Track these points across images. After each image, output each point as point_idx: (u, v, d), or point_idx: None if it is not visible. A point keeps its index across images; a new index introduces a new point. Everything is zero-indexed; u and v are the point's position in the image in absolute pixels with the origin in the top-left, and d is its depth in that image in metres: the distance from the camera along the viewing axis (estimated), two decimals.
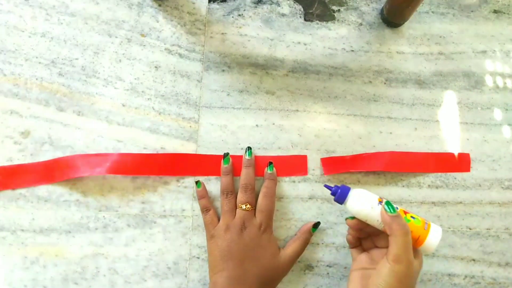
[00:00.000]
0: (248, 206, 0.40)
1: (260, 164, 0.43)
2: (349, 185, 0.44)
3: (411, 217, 0.35)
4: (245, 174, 0.42)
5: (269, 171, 0.42)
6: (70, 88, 0.44)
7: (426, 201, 0.45)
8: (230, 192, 0.41)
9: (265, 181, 0.42)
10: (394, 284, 0.31)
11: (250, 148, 0.43)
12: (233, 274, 0.37)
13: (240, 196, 0.41)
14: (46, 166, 0.42)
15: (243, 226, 0.39)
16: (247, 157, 0.42)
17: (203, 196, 0.42)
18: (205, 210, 0.41)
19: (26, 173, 0.42)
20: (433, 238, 0.34)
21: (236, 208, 0.41)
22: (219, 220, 0.41)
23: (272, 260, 0.39)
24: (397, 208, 0.35)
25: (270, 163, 0.43)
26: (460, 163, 0.46)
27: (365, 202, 0.36)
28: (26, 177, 0.41)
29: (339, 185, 0.38)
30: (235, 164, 0.43)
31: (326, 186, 0.39)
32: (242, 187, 0.41)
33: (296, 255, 0.41)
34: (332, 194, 0.38)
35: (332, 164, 0.44)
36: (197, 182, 0.42)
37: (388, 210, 0.34)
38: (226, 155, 0.42)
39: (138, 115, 0.44)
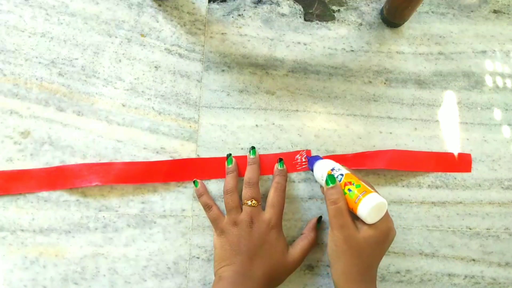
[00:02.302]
0: (254, 201, 0.40)
1: (264, 163, 0.43)
2: None
3: (348, 189, 0.36)
4: (249, 170, 0.41)
5: (279, 167, 0.42)
6: (70, 88, 0.44)
7: (426, 201, 0.45)
8: (233, 190, 0.41)
9: (275, 177, 0.42)
10: (333, 248, 0.35)
11: (254, 148, 0.43)
12: (240, 269, 0.37)
13: (245, 192, 0.40)
14: (49, 173, 0.42)
15: (251, 222, 0.39)
16: (251, 156, 0.42)
17: (202, 193, 0.42)
18: (207, 207, 0.41)
19: (27, 179, 0.41)
20: (362, 210, 0.34)
21: (241, 205, 0.40)
22: (223, 215, 0.41)
23: (280, 258, 0.39)
24: (341, 176, 0.37)
25: (281, 159, 0.43)
26: (461, 163, 0.46)
27: (319, 172, 0.40)
28: (27, 183, 0.41)
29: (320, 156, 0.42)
30: (239, 164, 0.43)
31: (307, 157, 0.43)
32: (246, 182, 0.41)
33: (305, 254, 0.40)
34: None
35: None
36: (194, 182, 0.42)
37: (326, 183, 0.37)
38: (229, 155, 0.42)
39: (138, 115, 0.44)
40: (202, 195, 0.41)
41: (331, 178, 0.37)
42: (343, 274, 0.35)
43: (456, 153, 0.46)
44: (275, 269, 0.38)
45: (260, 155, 0.44)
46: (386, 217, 0.36)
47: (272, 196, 0.41)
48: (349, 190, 0.36)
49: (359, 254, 0.35)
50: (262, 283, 0.37)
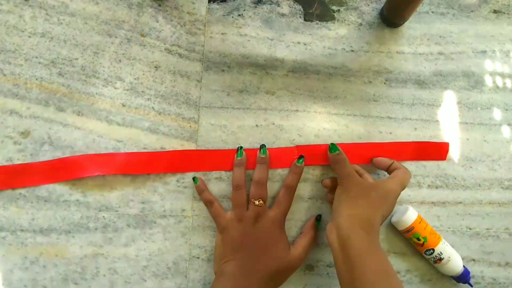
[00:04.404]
0: (261, 201, 0.40)
1: (271, 158, 0.43)
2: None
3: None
4: (259, 169, 0.41)
5: (297, 164, 0.42)
6: (70, 88, 0.44)
7: (426, 201, 0.45)
8: (241, 185, 0.41)
9: (289, 175, 0.42)
10: (341, 194, 0.38)
11: (264, 146, 0.43)
12: (243, 265, 0.37)
13: (253, 191, 0.40)
14: (51, 166, 0.42)
15: (256, 220, 0.39)
16: (261, 155, 0.42)
17: (203, 190, 0.42)
18: (208, 203, 0.41)
19: (30, 172, 0.42)
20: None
21: (247, 201, 0.41)
22: (225, 211, 0.41)
23: (282, 255, 0.39)
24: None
25: (302, 156, 0.42)
26: (439, 151, 0.45)
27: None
28: (30, 176, 0.41)
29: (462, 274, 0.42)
30: (248, 157, 0.43)
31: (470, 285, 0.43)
32: (256, 182, 0.41)
33: (306, 252, 0.40)
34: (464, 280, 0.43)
35: (306, 153, 0.43)
36: (194, 179, 0.42)
37: (329, 151, 0.41)
38: (239, 148, 0.42)
39: (138, 115, 0.44)
40: (203, 192, 0.42)
41: (333, 146, 0.41)
42: (349, 217, 0.36)
43: (436, 142, 0.46)
44: (277, 266, 0.38)
45: (267, 149, 0.43)
46: (395, 180, 0.39)
47: (281, 195, 0.41)
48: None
49: (366, 194, 0.37)
50: (265, 280, 0.37)
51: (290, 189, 0.41)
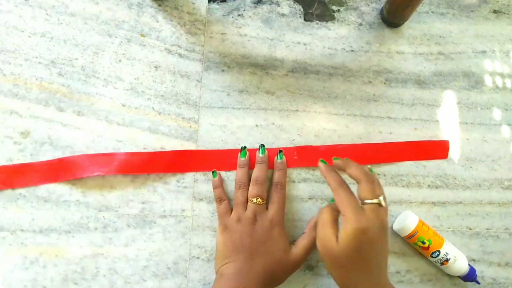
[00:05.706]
0: (259, 200, 0.40)
1: (272, 158, 0.43)
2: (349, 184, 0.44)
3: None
4: (258, 168, 0.42)
5: (278, 160, 0.42)
6: (70, 88, 0.44)
7: (426, 201, 0.45)
8: (244, 184, 0.41)
9: (275, 173, 0.42)
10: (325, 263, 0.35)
11: (263, 146, 0.43)
12: (242, 266, 0.37)
13: (251, 189, 0.40)
14: (51, 166, 0.42)
15: (255, 219, 0.39)
16: (260, 155, 0.42)
17: (218, 186, 0.42)
18: (219, 200, 0.41)
19: (30, 172, 0.42)
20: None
21: (247, 201, 0.41)
22: (231, 212, 0.41)
23: (282, 255, 0.39)
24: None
25: (280, 151, 0.43)
26: (439, 150, 0.45)
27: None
28: (30, 176, 0.41)
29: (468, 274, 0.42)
30: (251, 157, 0.43)
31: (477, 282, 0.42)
32: (254, 180, 0.41)
33: (307, 252, 0.40)
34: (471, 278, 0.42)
35: (306, 154, 0.44)
36: (213, 172, 0.42)
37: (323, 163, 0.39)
38: (243, 148, 0.43)
39: (138, 115, 0.44)
40: (218, 187, 0.42)
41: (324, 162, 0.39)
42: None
43: (436, 140, 0.46)
44: (276, 266, 0.38)
45: (267, 149, 0.44)
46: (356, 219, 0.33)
47: (272, 194, 0.41)
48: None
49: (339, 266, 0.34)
50: (264, 281, 0.37)
51: (279, 186, 0.41)
